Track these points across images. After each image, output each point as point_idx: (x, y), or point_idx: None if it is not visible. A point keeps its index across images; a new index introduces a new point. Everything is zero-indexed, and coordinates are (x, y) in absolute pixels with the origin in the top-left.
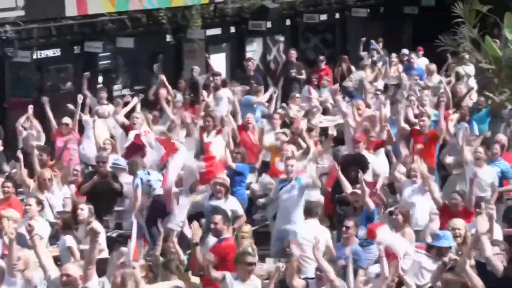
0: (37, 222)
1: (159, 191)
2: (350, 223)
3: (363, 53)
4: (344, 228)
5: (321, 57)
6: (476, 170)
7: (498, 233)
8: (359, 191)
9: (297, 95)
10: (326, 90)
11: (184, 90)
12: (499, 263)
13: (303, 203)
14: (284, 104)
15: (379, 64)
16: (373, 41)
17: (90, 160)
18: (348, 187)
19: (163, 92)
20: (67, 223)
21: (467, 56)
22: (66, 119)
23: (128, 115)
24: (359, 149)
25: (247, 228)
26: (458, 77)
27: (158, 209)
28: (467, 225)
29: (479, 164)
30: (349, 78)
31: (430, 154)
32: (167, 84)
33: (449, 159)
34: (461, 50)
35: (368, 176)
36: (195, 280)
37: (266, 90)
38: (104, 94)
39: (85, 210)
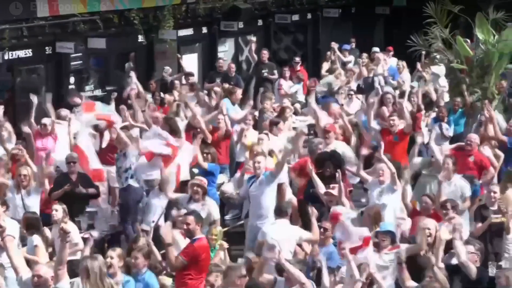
0: (4, 222)
1: (131, 181)
2: (328, 225)
3: (333, 57)
4: (321, 230)
5: (297, 59)
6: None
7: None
8: (334, 192)
9: (272, 95)
10: (297, 85)
11: (155, 91)
12: (472, 266)
13: (274, 196)
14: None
15: (350, 65)
16: (334, 46)
17: (61, 164)
18: (321, 187)
19: (133, 92)
20: (31, 224)
21: (438, 56)
22: (45, 120)
23: None
24: (329, 139)
25: (216, 230)
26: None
27: (129, 201)
28: (438, 225)
29: (448, 176)
30: (318, 84)
31: (401, 153)
32: (137, 82)
33: (416, 160)
34: (432, 50)
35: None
36: (168, 280)
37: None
38: (77, 100)
39: (59, 211)
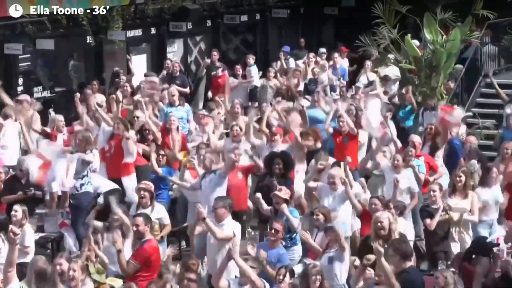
0: None
1: (88, 188)
2: (279, 226)
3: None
4: (272, 231)
5: (219, 64)
6: (396, 176)
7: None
8: (281, 194)
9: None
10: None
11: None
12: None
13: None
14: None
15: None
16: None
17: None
18: (264, 208)
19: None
20: None
21: (391, 56)
22: None
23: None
24: (275, 142)
25: (156, 227)
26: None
27: (84, 204)
28: (392, 218)
29: (398, 171)
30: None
31: (351, 155)
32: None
33: (368, 164)
34: (381, 50)
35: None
36: (118, 282)
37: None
38: None
39: (18, 212)
